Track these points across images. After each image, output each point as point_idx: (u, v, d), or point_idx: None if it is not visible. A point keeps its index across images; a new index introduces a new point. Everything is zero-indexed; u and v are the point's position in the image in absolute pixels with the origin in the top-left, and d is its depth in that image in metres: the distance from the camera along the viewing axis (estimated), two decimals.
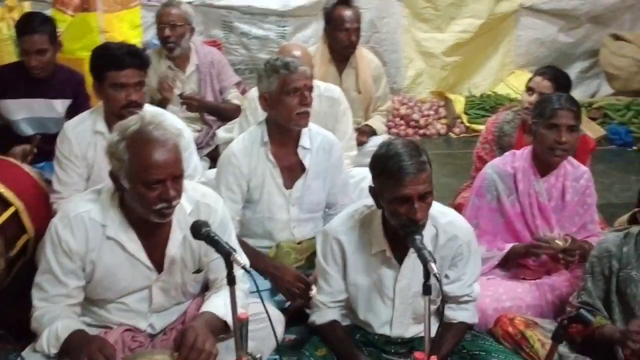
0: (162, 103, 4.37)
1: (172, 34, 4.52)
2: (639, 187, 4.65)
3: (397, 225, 2.45)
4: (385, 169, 2.41)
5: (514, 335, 2.79)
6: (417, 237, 2.32)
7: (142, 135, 2.29)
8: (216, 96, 4.71)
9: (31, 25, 3.82)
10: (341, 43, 4.55)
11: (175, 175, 2.32)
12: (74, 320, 2.40)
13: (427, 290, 2.17)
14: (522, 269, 3.18)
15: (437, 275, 2.14)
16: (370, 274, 2.64)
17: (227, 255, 2.15)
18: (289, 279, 3.08)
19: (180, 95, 4.50)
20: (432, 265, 2.17)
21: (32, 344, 2.37)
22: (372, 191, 2.53)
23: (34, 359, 2.30)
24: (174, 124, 3.16)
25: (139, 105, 3.08)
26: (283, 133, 3.16)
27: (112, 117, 3.10)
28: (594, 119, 5.94)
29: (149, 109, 3.23)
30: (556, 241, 3.01)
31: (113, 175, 2.36)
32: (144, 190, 2.30)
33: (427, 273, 2.19)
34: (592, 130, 5.26)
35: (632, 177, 5.07)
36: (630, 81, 6.19)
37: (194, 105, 4.54)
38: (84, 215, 2.41)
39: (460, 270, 2.68)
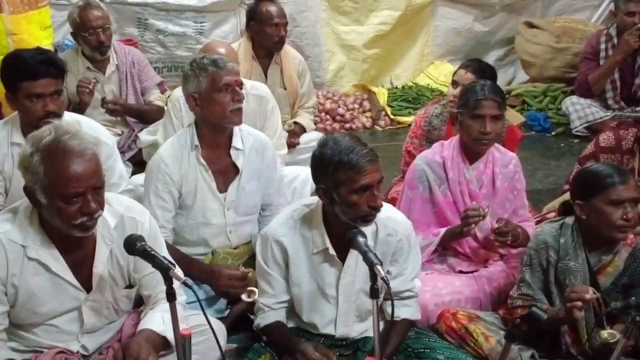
0: (81, 106, 4.16)
1: (105, 38, 4.33)
2: (561, 172, 4.90)
3: (353, 218, 2.44)
4: (341, 163, 2.40)
5: (457, 330, 2.81)
6: (362, 239, 2.29)
7: (58, 147, 2.16)
8: (138, 97, 4.54)
9: None
10: (271, 39, 4.49)
11: (95, 187, 2.20)
12: (4, 350, 2.27)
13: (374, 293, 2.15)
14: (459, 259, 3.20)
15: (385, 278, 2.11)
16: (313, 274, 2.61)
17: (165, 271, 2.05)
18: (221, 282, 3.00)
19: (103, 100, 4.31)
20: (379, 268, 2.14)
21: None
22: (322, 191, 2.48)
23: None
24: (91, 131, 3.05)
25: (57, 116, 2.94)
26: (215, 134, 3.06)
27: (29, 127, 2.93)
28: (512, 106, 6.06)
29: (65, 118, 3.07)
30: (485, 209, 3.00)
31: (28, 190, 2.22)
32: (62, 205, 2.17)
33: (373, 276, 2.15)
34: (512, 117, 5.37)
35: (552, 163, 5.19)
36: (545, 68, 6.33)
37: (117, 111, 4.36)
38: (2, 237, 2.26)
39: (401, 266, 2.67)
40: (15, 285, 2.28)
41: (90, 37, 4.31)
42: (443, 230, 3.14)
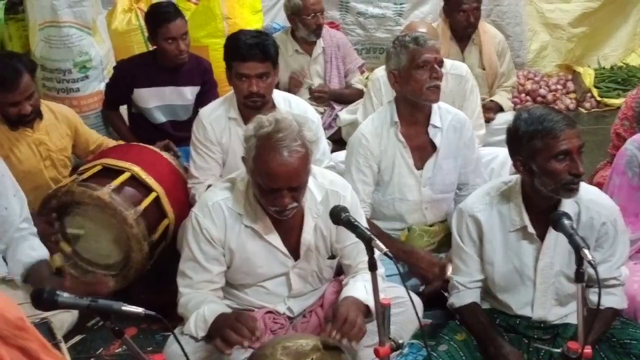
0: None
1: (323, 21, 4.60)
2: None
3: (555, 189, 2.37)
4: (538, 130, 2.35)
5: None
6: (567, 221, 2.21)
7: (270, 141, 2.27)
8: (340, 78, 4.76)
9: (170, 13, 3.96)
10: (460, 24, 4.45)
11: (292, 187, 2.31)
12: (220, 305, 2.46)
13: (579, 277, 2.07)
14: None
15: (593, 262, 2.03)
16: (509, 253, 2.57)
17: (368, 241, 2.12)
18: (423, 265, 3.05)
19: (310, 89, 4.56)
20: (586, 252, 2.06)
21: (179, 327, 2.46)
22: (520, 164, 2.44)
23: (181, 341, 2.37)
24: (299, 110, 3.22)
25: (261, 96, 3.12)
26: (413, 111, 3.10)
27: (242, 104, 3.17)
28: None
29: (276, 97, 3.24)
30: None
31: (244, 160, 2.40)
32: (258, 191, 2.34)
33: (579, 259, 2.08)
34: None
35: None
36: None
37: (324, 98, 4.59)
38: (222, 204, 2.46)
39: (606, 252, 2.55)
40: (231, 248, 2.48)
41: (311, 20, 4.56)
42: None
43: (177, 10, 4.02)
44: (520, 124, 2.40)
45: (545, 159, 2.35)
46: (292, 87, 4.54)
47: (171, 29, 3.90)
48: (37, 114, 3.39)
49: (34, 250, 2.83)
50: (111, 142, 3.83)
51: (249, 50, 3.07)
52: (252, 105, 3.14)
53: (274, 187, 2.29)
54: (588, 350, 2.07)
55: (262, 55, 3.09)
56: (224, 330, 2.22)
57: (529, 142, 2.37)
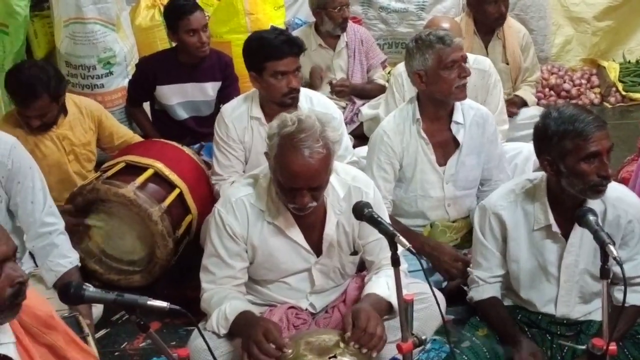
0: (311, 88, 4.43)
1: (348, 14, 4.61)
2: None
3: (582, 190, 2.35)
4: (568, 131, 2.31)
5: None
6: (592, 217, 2.20)
7: (292, 142, 2.27)
8: (363, 73, 4.76)
9: (189, 5, 3.99)
10: (491, 16, 4.38)
11: (311, 187, 2.31)
12: (241, 302, 2.47)
13: (605, 274, 2.06)
14: None
15: (618, 259, 2.01)
16: (533, 251, 2.55)
17: (391, 237, 2.12)
18: (446, 258, 3.03)
19: (331, 84, 4.56)
20: (612, 248, 2.04)
21: (202, 323, 2.48)
22: (547, 163, 2.40)
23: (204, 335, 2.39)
24: (321, 106, 3.22)
25: (298, 91, 3.14)
26: (437, 108, 3.09)
27: (268, 103, 3.17)
28: None
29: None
30: None
31: (267, 155, 2.40)
32: (279, 188, 2.35)
33: (604, 256, 2.06)
34: None
35: None
36: None
37: (345, 92, 4.60)
38: (245, 200, 2.47)
39: (632, 250, 2.52)
40: (254, 244, 2.49)
41: (337, 13, 4.55)
42: None
43: (195, 2, 4.06)
44: (550, 123, 2.36)
45: (575, 161, 2.32)
46: (313, 80, 4.54)
47: (192, 20, 3.93)
48: (59, 112, 3.46)
49: (65, 257, 2.81)
50: (138, 138, 3.87)
51: (283, 47, 3.07)
52: (291, 102, 3.13)
53: (294, 186, 2.29)
54: (613, 347, 2.06)
55: (297, 50, 3.11)
56: (250, 345, 2.21)
57: (559, 142, 2.33)
